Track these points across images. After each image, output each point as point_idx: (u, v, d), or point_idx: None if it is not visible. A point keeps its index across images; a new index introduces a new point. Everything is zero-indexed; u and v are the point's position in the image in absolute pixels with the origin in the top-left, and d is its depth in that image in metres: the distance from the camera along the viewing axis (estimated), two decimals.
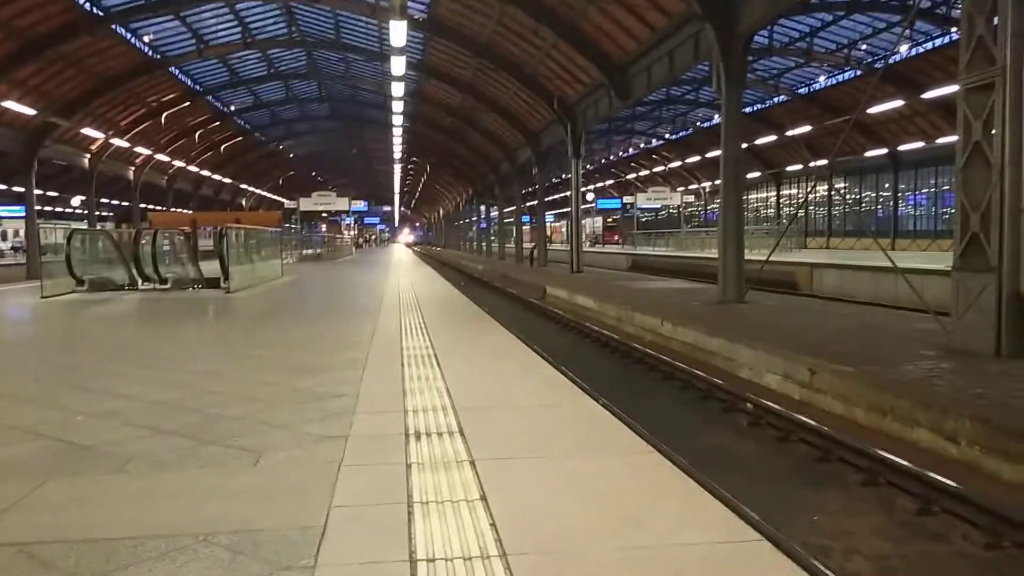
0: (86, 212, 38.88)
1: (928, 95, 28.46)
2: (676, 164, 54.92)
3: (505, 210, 48.78)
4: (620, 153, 59.82)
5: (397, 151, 49.19)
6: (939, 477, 5.56)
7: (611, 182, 71.01)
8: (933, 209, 38.15)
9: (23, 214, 33.73)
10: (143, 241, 18.90)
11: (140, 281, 18.22)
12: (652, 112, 43.51)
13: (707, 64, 18.86)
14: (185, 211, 48.81)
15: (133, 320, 12.55)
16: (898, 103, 30.70)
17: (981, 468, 5.95)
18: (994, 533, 4.83)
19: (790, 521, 5.32)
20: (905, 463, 5.93)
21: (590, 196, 66.57)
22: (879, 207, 41.97)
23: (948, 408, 6.41)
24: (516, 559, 2.90)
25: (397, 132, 40.83)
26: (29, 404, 5.75)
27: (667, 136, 50.97)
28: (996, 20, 8.49)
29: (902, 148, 37.22)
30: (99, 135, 32.43)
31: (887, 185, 40.68)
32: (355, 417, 5.17)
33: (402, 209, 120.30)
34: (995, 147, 8.52)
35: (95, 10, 24.09)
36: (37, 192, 32.50)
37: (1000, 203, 8.49)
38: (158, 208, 47.76)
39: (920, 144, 35.60)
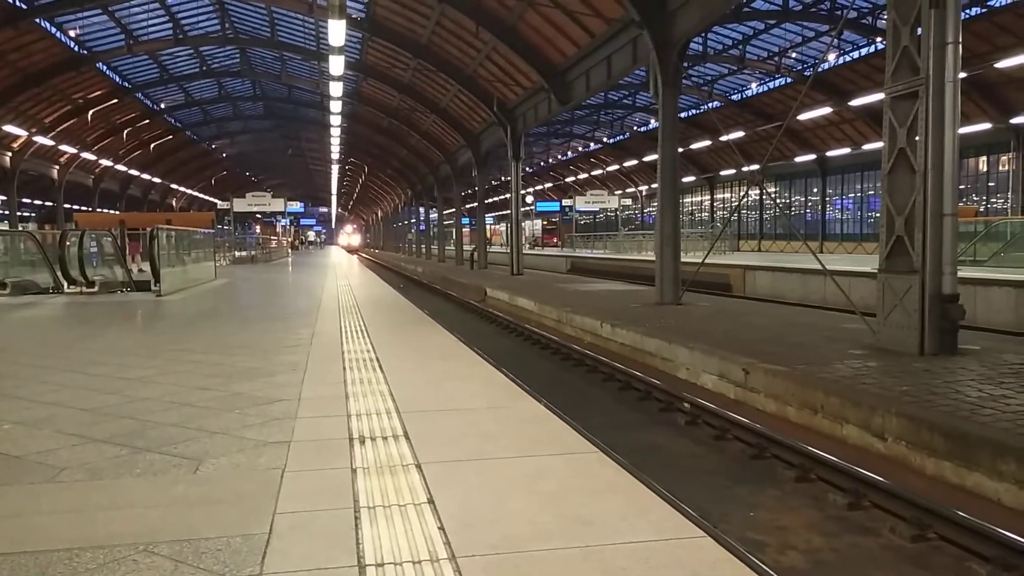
0: (7, 212, 37.33)
1: (855, 102, 29.47)
2: (614, 168, 55.63)
3: (444, 212, 48.65)
4: (559, 156, 60.29)
5: (335, 152, 48.62)
6: (868, 473, 5.77)
7: (550, 185, 71.49)
8: (859, 213, 39.54)
9: None
10: (69, 242, 18.30)
11: (66, 284, 17.61)
12: (591, 116, 44.07)
13: (644, 69, 19.16)
14: (113, 212, 47.32)
15: (60, 325, 12.10)
16: (826, 110, 31.75)
17: (907, 463, 6.21)
18: (920, 526, 5.04)
19: (727, 517, 5.45)
20: (836, 459, 6.14)
21: (529, 199, 66.90)
22: (808, 211, 43.29)
23: (875, 406, 6.66)
24: (466, 561, 2.92)
25: (335, 132, 40.36)
26: None
27: (605, 140, 51.59)
28: (920, 31, 8.86)
29: (830, 154, 38.48)
30: (22, 132, 31.26)
31: (815, 190, 41.99)
32: (297, 422, 5.10)
33: (339, 210, 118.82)
34: (919, 153, 8.89)
35: (18, 3, 23.18)
36: None
37: (923, 207, 8.86)
38: (83, 208, 46.14)
39: (847, 150, 36.87)
